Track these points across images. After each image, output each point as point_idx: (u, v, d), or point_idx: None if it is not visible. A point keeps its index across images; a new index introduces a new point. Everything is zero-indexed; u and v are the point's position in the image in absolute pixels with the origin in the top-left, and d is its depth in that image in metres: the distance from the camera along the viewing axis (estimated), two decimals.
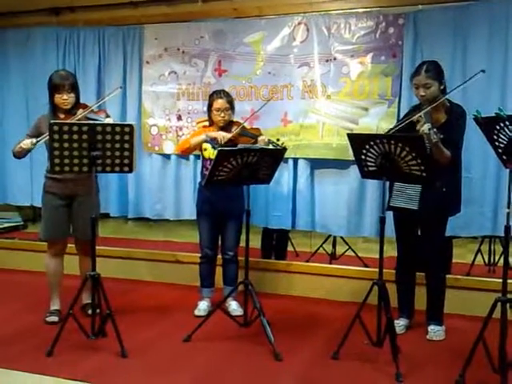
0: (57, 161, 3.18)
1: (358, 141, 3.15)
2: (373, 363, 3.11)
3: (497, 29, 3.84)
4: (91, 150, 3.17)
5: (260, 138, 3.75)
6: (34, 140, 3.51)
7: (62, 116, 3.62)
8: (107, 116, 3.68)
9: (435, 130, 3.12)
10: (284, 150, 3.54)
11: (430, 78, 3.32)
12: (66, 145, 3.14)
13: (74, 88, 3.63)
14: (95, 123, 3.26)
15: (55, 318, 3.69)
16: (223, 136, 3.71)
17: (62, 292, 3.81)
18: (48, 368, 3.03)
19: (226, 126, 3.85)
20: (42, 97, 3.97)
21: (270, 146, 3.64)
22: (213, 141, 3.76)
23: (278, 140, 3.69)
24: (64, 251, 3.82)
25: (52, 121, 3.22)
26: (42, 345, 3.23)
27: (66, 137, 3.12)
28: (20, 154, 3.59)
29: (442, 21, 3.97)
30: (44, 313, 3.76)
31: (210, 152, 3.80)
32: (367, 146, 3.06)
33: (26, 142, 3.51)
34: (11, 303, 4.14)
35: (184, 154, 4.42)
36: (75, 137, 3.13)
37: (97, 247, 3.34)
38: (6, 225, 6.19)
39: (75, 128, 3.13)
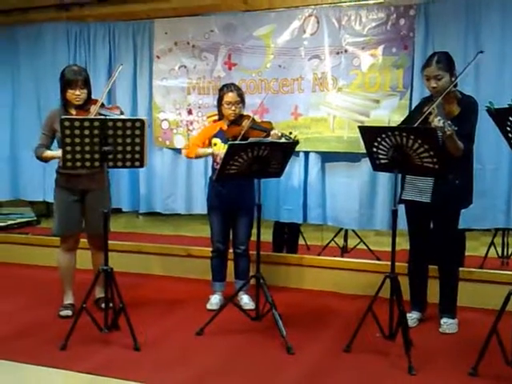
0: (68, 156, 3.18)
1: (370, 133, 3.13)
2: (385, 356, 3.10)
3: (510, 20, 3.79)
4: (102, 146, 3.17)
5: (273, 132, 3.73)
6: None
7: (73, 112, 3.63)
8: (121, 113, 3.69)
9: (449, 122, 3.09)
10: (295, 143, 3.52)
11: (441, 70, 3.29)
12: (77, 140, 3.14)
13: (87, 83, 3.64)
14: (106, 118, 3.26)
15: (69, 312, 3.72)
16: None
17: (74, 286, 3.84)
18: (62, 361, 3.05)
19: (237, 120, 3.85)
20: (53, 92, 3.98)
21: (283, 140, 3.62)
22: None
23: (290, 133, 3.68)
24: (77, 246, 3.85)
25: (63, 116, 3.23)
26: (56, 338, 3.26)
27: (77, 132, 3.12)
28: (47, 161, 3.62)
29: (454, 11, 3.93)
30: (57, 307, 3.79)
31: (221, 147, 3.80)
32: (379, 139, 3.04)
33: (59, 153, 3.42)
34: (25, 298, 4.17)
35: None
36: (86, 132, 3.13)
37: (109, 242, 3.35)
38: (18, 220, 6.22)
39: (86, 123, 3.13)
